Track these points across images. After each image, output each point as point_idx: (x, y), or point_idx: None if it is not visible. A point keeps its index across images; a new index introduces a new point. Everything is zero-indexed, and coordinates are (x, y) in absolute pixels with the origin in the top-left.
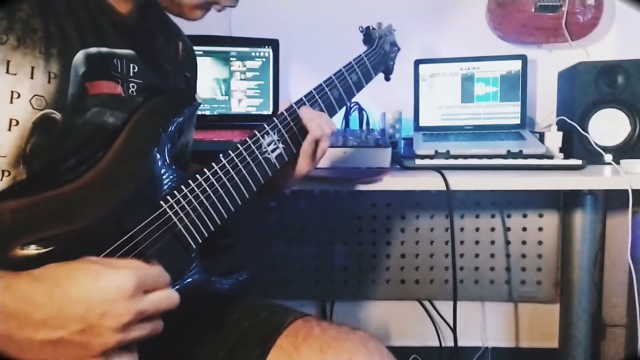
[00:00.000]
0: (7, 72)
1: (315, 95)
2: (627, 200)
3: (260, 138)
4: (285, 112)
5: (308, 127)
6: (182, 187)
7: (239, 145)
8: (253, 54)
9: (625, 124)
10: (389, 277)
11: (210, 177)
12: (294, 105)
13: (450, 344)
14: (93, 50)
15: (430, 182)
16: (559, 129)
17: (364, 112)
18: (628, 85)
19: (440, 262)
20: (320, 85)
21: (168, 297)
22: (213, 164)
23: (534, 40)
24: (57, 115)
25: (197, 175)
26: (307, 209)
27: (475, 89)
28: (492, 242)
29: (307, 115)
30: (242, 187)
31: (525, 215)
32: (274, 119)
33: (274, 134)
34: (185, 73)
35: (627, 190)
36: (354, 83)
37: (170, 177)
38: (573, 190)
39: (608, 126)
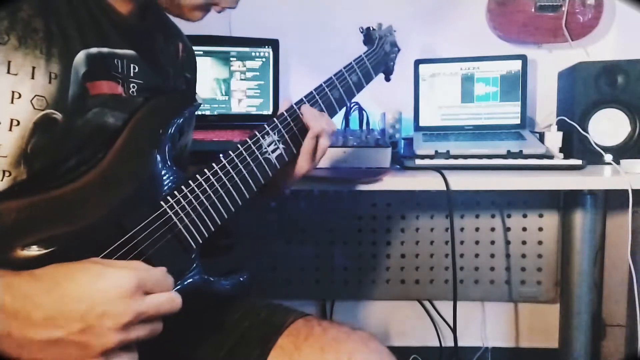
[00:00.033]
0: (8, 72)
1: (316, 95)
2: (627, 200)
3: (261, 138)
4: (285, 113)
5: (309, 124)
6: (182, 187)
7: (239, 146)
8: (253, 54)
9: (625, 124)
10: (389, 277)
11: (211, 177)
12: (294, 106)
13: (450, 344)
14: (94, 50)
15: (430, 182)
16: (559, 129)
17: (364, 112)
18: (628, 85)
19: (440, 262)
20: (321, 85)
21: (169, 300)
22: (213, 164)
23: (534, 40)
24: (58, 116)
25: (197, 176)
26: (307, 209)
27: (475, 89)
28: (492, 242)
29: (308, 112)
30: (242, 187)
31: (525, 215)
32: (274, 119)
33: (274, 134)
34: (186, 74)
35: (627, 190)
36: (354, 83)
37: (171, 177)
38: (573, 190)
39: (608, 126)
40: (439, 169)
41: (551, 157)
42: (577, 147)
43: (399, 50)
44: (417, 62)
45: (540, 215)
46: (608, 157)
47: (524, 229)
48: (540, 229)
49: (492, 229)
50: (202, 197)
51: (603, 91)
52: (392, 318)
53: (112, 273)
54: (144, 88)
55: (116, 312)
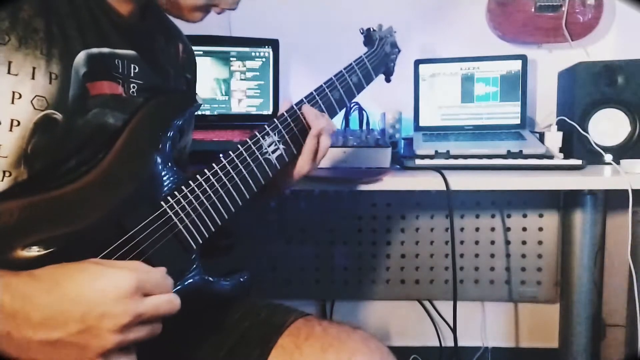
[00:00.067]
0: (9, 72)
1: (316, 96)
2: (627, 200)
3: (261, 139)
4: (285, 113)
5: (310, 123)
6: (182, 187)
7: (239, 146)
8: (253, 54)
9: (625, 124)
10: (389, 277)
11: (211, 177)
12: (295, 106)
13: (450, 344)
14: (94, 50)
15: (430, 182)
16: (559, 129)
17: (364, 112)
18: (628, 85)
19: (440, 262)
20: (321, 86)
21: (168, 301)
22: (213, 164)
23: (534, 40)
24: (59, 116)
25: (198, 176)
26: (307, 209)
27: (475, 89)
28: (492, 242)
29: (309, 112)
30: (242, 188)
31: (525, 215)
32: (275, 119)
33: (275, 134)
34: (186, 74)
35: (627, 190)
36: (355, 84)
37: (171, 177)
38: (573, 190)
39: (608, 126)
40: (439, 169)
41: (551, 157)
42: (577, 147)
43: (399, 51)
44: (417, 62)
45: (540, 215)
46: (608, 157)
47: (524, 229)
48: (540, 229)
49: (492, 229)
50: (202, 198)
51: (603, 91)
52: (392, 318)
53: (111, 274)
54: (144, 88)
55: (115, 313)
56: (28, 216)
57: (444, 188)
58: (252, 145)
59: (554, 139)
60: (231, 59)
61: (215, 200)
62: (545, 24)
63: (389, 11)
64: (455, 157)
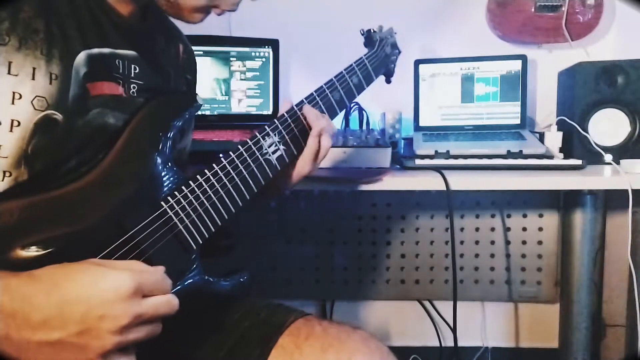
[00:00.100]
0: (9, 73)
1: (316, 97)
2: (627, 200)
3: (261, 139)
4: (286, 114)
5: (311, 123)
6: (183, 187)
7: (239, 146)
8: (253, 54)
9: (625, 124)
10: (389, 277)
11: (211, 177)
12: (295, 107)
13: (450, 344)
14: (95, 51)
15: (430, 182)
16: (559, 129)
17: (364, 112)
18: (628, 85)
19: (440, 262)
20: (321, 87)
21: (167, 302)
22: (213, 164)
23: (534, 40)
24: (59, 116)
25: (198, 176)
26: (307, 209)
27: (475, 89)
28: (492, 242)
29: (310, 112)
30: (242, 188)
31: (525, 215)
32: (275, 120)
33: (275, 135)
34: (186, 75)
35: (627, 190)
36: (355, 85)
37: (171, 177)
38: (573, 190)
39: (608, 126)
40: (439, 169)
41: (551, 157)
42: (577, 147)
43: (399, 52)
44: (417, 62)
45: (540, 215)
46: (608, 157)
47: (524, 229)
48: (540, 229)
49: (492, 229)
50: (203, 198)
51: (603, 91)
52: (392, 318)
53: (111, 275)
54: (144, 89)
55: (115, 314)
56: (28, 216)
57: (444, 188)
58: (253, 146)
59: (554, 139)
60: (231, 59)
61: (216, 200)
62: (545, 24)
63: (389, 11)
64: (455, 157)
